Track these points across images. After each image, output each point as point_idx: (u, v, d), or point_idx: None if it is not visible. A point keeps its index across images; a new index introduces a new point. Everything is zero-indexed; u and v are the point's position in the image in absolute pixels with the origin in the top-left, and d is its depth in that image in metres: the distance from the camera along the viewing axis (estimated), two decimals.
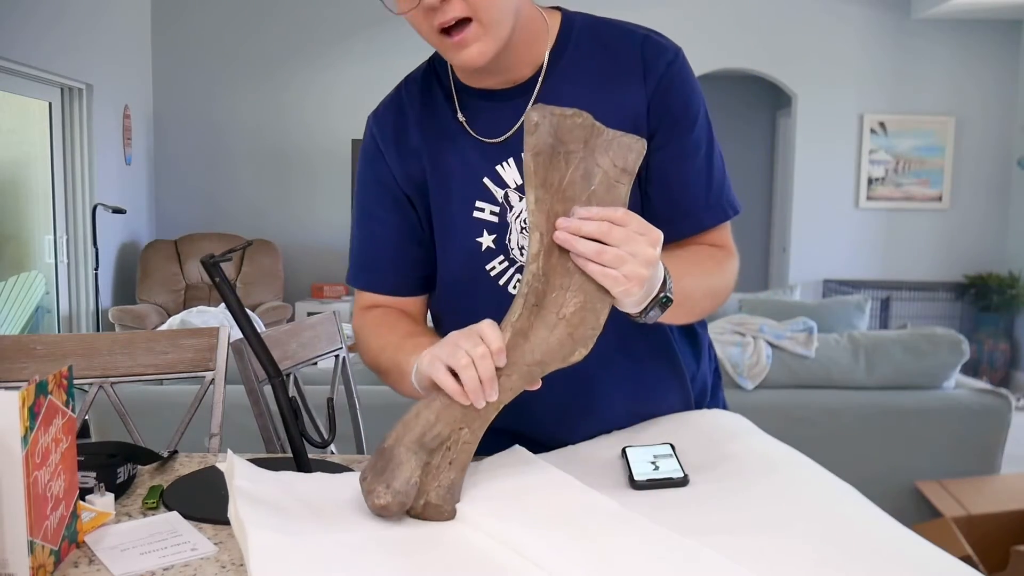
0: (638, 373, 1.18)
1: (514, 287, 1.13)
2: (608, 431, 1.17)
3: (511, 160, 1.11)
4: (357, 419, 1.77)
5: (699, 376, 1.25)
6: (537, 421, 1.17)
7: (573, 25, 1.13)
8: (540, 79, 1.10)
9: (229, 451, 1.03)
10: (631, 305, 0.95)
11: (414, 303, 1.22)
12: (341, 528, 0.87)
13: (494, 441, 1.07)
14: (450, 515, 0.91)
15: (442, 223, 1.15)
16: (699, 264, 1.10)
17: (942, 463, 3.02)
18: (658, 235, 0.92)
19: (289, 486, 0.96)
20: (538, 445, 1.15)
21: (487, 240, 1.13)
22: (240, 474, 0.93)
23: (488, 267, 1.14)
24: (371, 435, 1.82)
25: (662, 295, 0.96)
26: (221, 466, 0.97)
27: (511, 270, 1.14)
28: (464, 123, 1.13)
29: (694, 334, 1.25)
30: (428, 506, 0.90)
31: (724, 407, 1.29)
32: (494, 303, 1.08)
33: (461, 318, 1.05)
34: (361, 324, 1.20)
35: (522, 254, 1.12)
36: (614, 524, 0.87)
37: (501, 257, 1.13)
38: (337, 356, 1.77)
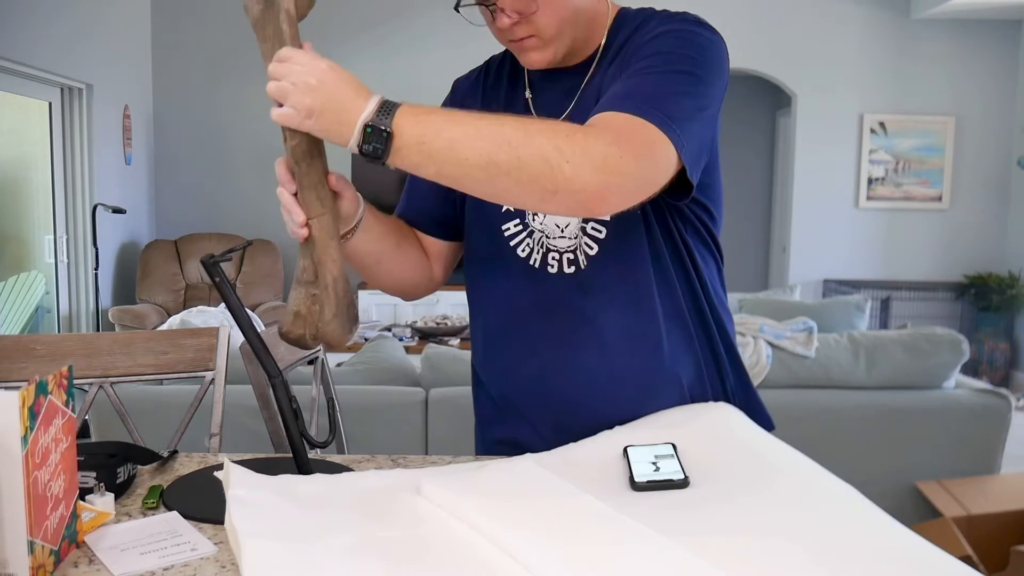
0: (630, 375, 1.20)
1: (523, 250, 1.22)
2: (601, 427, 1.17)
3: None
4: (337, 419, 1.76)
5: (700, 387, 1.24)
6: (532, 425, 1.24)
7: (626, 16, 1.21)
8: (593, 65, 1.19)
9: (226, 459, 1.03)
10: (334, 138, 0.98)
11: (431, 241, 1.33)
12: (338, 531, 0.87)
13: (496, 453, 1.16)
14: (341, 338, 1.06)
15: None
16: (507, 126, 0.98)
17: (942, 463, 3.02)
18: (319, 66, 0.97)
19: (287, 490, 0.96)
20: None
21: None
22: (236, 482, 0.93)
23: (504, 227, 1.23)
24: (360, 435, 1.81)
25: (368, 126, 0.96)
26: (219, 475, 0.97)
27: (523, 233, 1.22)
28: (529, 100, 1.23)
29: (693, 339, 1.23)
30: (324, 328, 1.05)
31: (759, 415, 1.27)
32: (505, 261, 1.22)
33: (480, 273, 1.28)
34: None
35: (535, 219, 1.21)
36: (608, 528, 0.87)
37: (517, 220, 1.22)
38: (316, 358, 1.77)
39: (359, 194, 1.15)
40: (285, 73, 0.97)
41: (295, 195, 1.05)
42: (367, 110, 0.96)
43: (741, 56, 6.28)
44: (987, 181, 6.44)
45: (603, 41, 1.19)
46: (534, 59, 1.17)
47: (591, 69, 1.19)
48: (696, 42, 1.11)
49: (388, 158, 0.97)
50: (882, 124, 6.37)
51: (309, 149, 1.02)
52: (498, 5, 1.12)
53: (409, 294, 1.34)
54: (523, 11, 1.11)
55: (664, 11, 1.18)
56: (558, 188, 0.96)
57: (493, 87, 1.28)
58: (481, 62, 1.33)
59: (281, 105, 0.98)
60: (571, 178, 0.96)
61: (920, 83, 6.36)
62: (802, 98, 6.37)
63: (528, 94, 1.23)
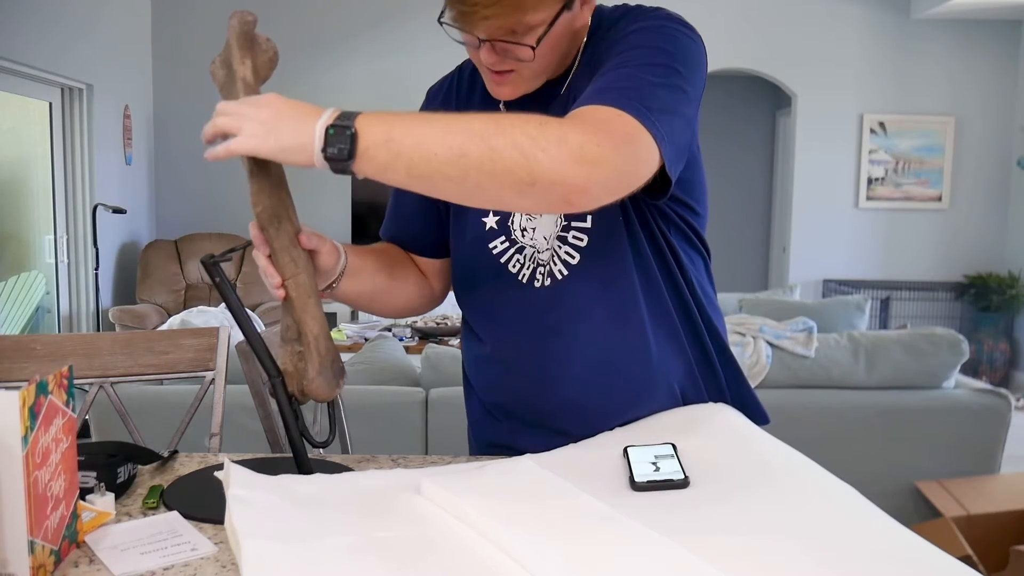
0: (619, 380, 1.19)
1: (513, 265, 1.20)
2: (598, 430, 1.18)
3: None
4: (342, 420, 1.76)
5: (693, 387, 1.23)
6: (524, 431, 1.24)
7: (601, 20, 1.17)
8: (572, 72, 1.17)
9: (226, 459, 1.03)
10: (296, 152, 0.93)
11: (424, 261, 1.33)
12: (337, 531, 0.87)
13: (489, 456, 1.16)
14: (327, 394, 1.08)
15: (456, 204, 1.22)
16: (477, 120, 0.94)
17: (942, 463, 3.02)
18: (264, 95, 0.96)
19: (287, 490, 0.96)
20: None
21: (491, 220, 1.21)
22: (236, 482, 0.93)
23: (491, 246, 1.21)
24: (360, 435, 1.82)
25: (330, 127, 0.91)
26: (219, 475, 0.97)
27: (512, 250, 1.20)
28: (503, 111, 1.19)
29: (682, 340, 1.22)
30: (309, 385, 1.06)
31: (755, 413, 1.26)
32: (495, 279, 1.21)
33: (469, 291, 1.26)
34: None
35: (523, 235, 1.19)
36: (608, 528, 0.87)
37: (503, 237, 1.20)
38: None
39: (339, 244, 1.15)
40: (234, 107, 0.96)
41: (270, 257, 1.05)
42: (325, 115, 0.93)
43: (741, 56, 6.29)
44: (987, 181, 6.44)
45: (582, 47, 1.16)
46: (506, 92, 1.14)
47: (570, 75, 1.17)
48: (671, 36, 1.08)
49: (355, 161, 0.92)
50: (882, 124, 6.37)
51: (276, 213, 1.03)
52: (488, 40, 1.07)
53: (413, 314, 1.35)
54: (519, 57, 1.08)
55: (638, 6, 1.15)
56: (535, 179, 0.91)
57: (467, 97, 1.25)
58: None
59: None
60: (548, 168, 0.91)
61: (920, 83, 6.36)
62: (802, 98, 6.37)
63: (503, 105, 1.19)
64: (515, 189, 0.93)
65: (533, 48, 1.06)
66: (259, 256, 1.05)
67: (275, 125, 0.93)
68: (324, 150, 0.92)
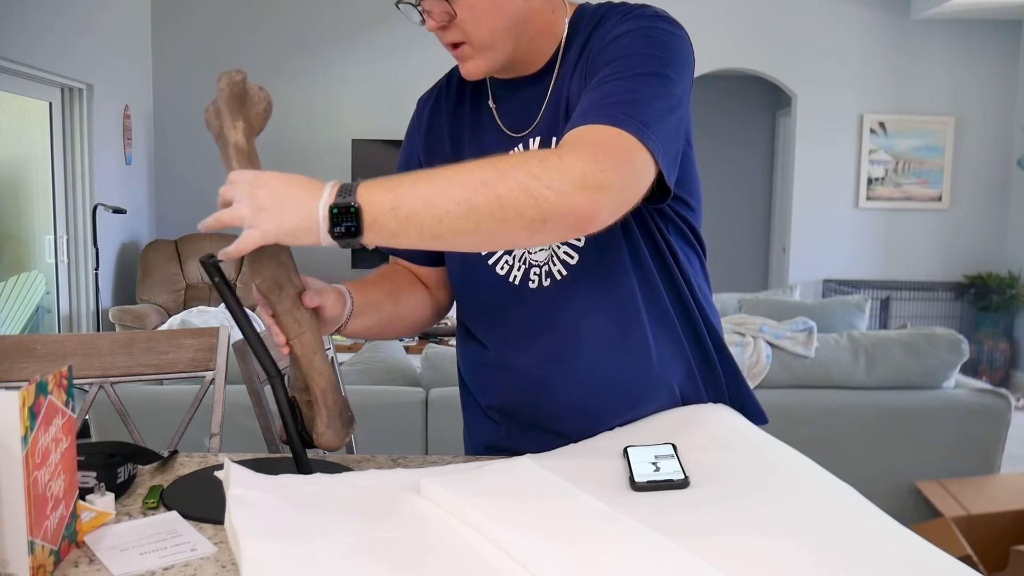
0: (620, 380, 1.19)
1: (502, 268, 1.21)
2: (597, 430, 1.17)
3: (520, 148, 1.18)
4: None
5: (692, 387, 1.23)
6: (522, 435, 1.23)
7: (583, 15, 1.18)
8: (555, 71, 1.16)
9: (226, 459, 1.03)
10: (301, 234, 0.94)
11: (426, 272, 1.32)
12: (337, 531, 0.87)
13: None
14: (336, 445, 1.09)
15: None
16: (477, 169, 0.95)
17: (942, 463, 3.02)
18: (263, 174, 0.96)
19: (286, 490, 0.96)
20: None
21: None
22: (236, 482, 0.93)
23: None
24: (360, 435, 1.82)
25: (333, 207, 0.92)
26: (219, 474, 0.97)
27: (501, 251, 1.20)
28: (494, 110, 1.20)
29: (681, 340, 1.22)
30: (319, 439, 1.08)
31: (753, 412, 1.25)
32: (488, 282, 1.21)
33: (463, 292, 1.27)
34: None
35: None
36: (609, 528, 0.87)
37: None
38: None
39: (345, 289, 1.15)
40: (231, 193, 0.96)
41: (274, 316, 1.05)
42: (325, 193, 0.93)
43: (741, 56, 6.29)
44: (987, 181, 6.44)
45: (562, 43, 1.16)
46: (468, 68, 1.13)
47: (554, 74, 1.16)
48: (660, 38, 1.08)
49: (364, 235, 0.92)
50: (882, 124, 6.37)
51: (276, 281, 1.03)
52: (424, 7, 1.08)
53: (423, 330, 1.35)
54: (447, 15, 1.08)
55: (622, 4, 1.15)
56: (546, 216, 0.93)
57: (457, 102, 1.25)
58: None
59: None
60: (556, 203, 0.92)
61: (920, 83, 6.36)
62: (802, 98, 6.37)
63: (492, 104, 1.20)
64: (528, 229, 0.94)
65: (448, 2, 1.07)
66: (263, 316, 1.06)
67: (275, 210, 0.94)
68: (332, 231, 0.92)
